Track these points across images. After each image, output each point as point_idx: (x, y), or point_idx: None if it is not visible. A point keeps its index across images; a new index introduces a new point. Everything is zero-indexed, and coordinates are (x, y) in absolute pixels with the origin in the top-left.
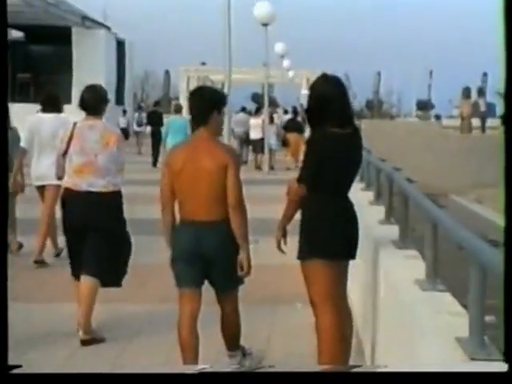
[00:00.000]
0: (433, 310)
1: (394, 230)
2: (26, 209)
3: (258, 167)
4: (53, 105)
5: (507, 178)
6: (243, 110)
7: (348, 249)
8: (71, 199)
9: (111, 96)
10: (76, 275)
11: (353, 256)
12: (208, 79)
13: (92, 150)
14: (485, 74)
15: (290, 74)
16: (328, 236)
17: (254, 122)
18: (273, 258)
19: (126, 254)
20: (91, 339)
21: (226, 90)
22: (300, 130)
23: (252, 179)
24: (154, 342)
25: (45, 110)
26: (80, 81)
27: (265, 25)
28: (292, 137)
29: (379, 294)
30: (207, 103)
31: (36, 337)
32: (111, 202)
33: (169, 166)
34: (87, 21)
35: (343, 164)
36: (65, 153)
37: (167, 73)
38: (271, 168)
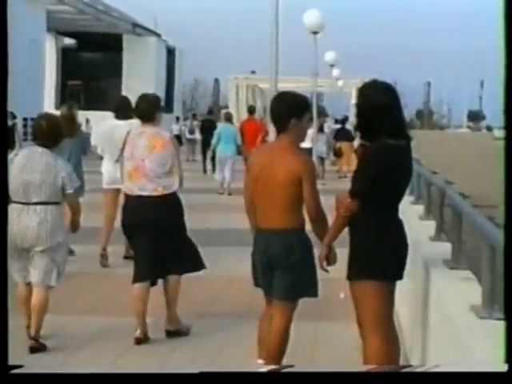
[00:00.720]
0: (489, 342)
1: (445, 248)
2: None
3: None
4: (125, 111)
5: (507, 178)
6: None
7: (400, 269)
8: (127, 203)
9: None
10: (135, 278)
11: (402, 276)
12: (257, 88)
13: (140, 154)
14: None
15: (340, 83)
16: (383, 256)
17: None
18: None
19: (191, 246)
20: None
21: None
22: (350, 139)
23: None
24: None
25: (117, 116)
26: (130, 88)
27: (314, 33)
28: (344, 146)
29: (430, 319)
30: (285, 109)
31: None
32: (162, 204)
33: (248, 171)
34: (138, 28)
35: (398, 177)
36: (117, 160)
37: (217, 81)
38: (321, 177)
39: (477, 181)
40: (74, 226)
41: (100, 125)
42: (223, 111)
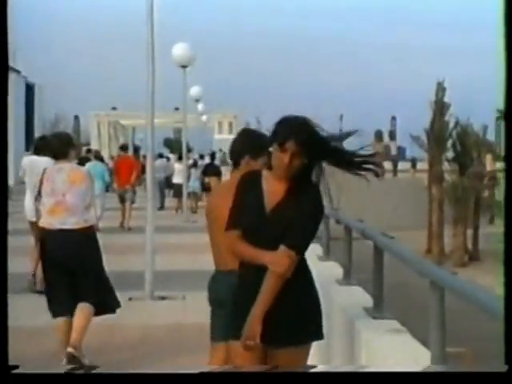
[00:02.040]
0: None
1: (358, 293)
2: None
3: (181, 210)
4: (44, 149)
5: (507, 180)
6: (160, 156)
7: None
8: (47, 238)
9: (21, 141)
10: (55, 311)
11: None
12: (119, 124)
13: (60, 189)
14: (393, 118)
15: (204, 117)
16: (321, 313)
17: (179, 166)
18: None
19: (107, 285)
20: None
21: (141, 135)
22: (218, 174)
23: (174, 226)
24: None
25: (38, 153)
26: None
27: (183, 67)
28: (212, 181)
29: None
30: (240, 145)
31: None
32: (83, 237)
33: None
34: None
35: None
36: (38, 196)
37: (76, 118)
38: (193, 211)
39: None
40: None
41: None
42: (93, 149)
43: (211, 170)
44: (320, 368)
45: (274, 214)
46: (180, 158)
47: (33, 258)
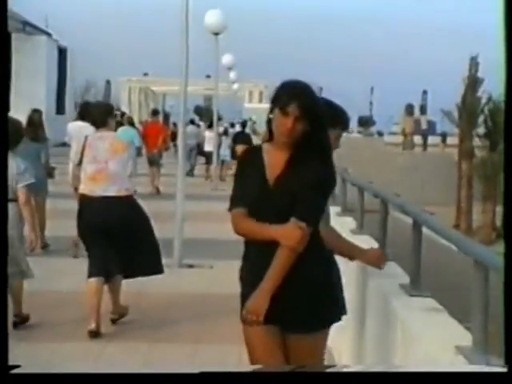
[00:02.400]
0: None
1: (397, 271)
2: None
3: (211, 177)
4: (87, 116)
5: (507, 180)
6: (192, 122)
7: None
8: (88, 204)
9: (52, 104)
10: (91, 273)
11: None
12: (150, 90)
13: (103, 157)
14: (425, 92)
15: (235, 86)
16: (342, 292)
17: (209, 134)
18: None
19: (155, 245)
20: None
21: (171, 102)
22: (249, 142)
23: (203, 194)
24: None
25: (83, 119)
26: (19, 88)
27: (216, 34)
28: (241, 149)
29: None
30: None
31: None
32: (125, 205)
33: None
34: (28, 26)
35: None
36: (79, 163)
37: (108, 83)
38: (221, 179)
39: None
40: (22, 220)
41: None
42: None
43: (241, 138)
44: (320, 368)
45: (278, 187)
46: (210, 126)
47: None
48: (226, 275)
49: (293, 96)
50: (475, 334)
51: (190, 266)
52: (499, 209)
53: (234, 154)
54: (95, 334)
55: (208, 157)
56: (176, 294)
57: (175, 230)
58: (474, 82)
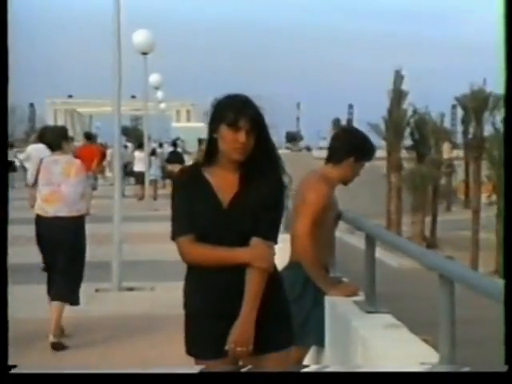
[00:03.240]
0: None
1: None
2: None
3: (142, 197)
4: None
5: (507, 181)
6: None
7: None
8: (42, 224)
9: None
10: (51, 297)
11: None
12: (76, 112)
13: (56, 180)
14: (351, 106)
15: (162, 105)
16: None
17: (139, 155)
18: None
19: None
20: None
21: (97, 123)
22: (182, 162)
23: (137, 215)
24: None
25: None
26: None
27: (144, 53)
28: (176, 168)
29: None
30: (347, 145)
31: None
32: (74, 226)
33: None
34: None
35: None
36: (34, 184)
37: (32, 105)
38: (154, 198)
39: None
40: None
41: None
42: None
43: (174, 158)
44: (321, 368)
45: (235, 208)
46: (139, 146)
47: None
48: (168, 296)
49: (240, 110)
50: (442, 349)
51: (130, 289)
52: (428, 219)
53: (166, 174)
54: (57, 346)
55: (138, 177)
56: (118, 318)
57: (113, 253)
58: (398, 95)
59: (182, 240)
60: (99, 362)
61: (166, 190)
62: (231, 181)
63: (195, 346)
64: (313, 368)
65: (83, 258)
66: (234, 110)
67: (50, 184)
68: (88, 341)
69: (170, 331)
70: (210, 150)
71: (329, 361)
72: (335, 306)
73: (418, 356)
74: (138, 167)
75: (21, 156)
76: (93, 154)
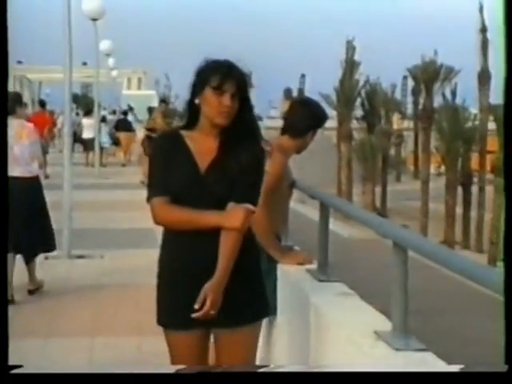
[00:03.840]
0: None
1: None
2: None
3: (91, 164)
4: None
5: (507, 179)
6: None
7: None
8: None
9: None
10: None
11: None
12: (25, 78)
13: (9, 142)
14: (303, 76)
15: (113, 73)
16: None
17: (87, 122)
18: (121, 276)
19: (45, 233)
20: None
21: (47, 90)
22: (130, 130)
23: (86, 184)
24: None
25: None
26: None
27: (94, 20)
28: (122, 135)
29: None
30: (308, 120)
31: None
32: (27, 186)
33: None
34: None
35: None
36: None
37: None
38: (103, 165)
39: None
40: None
41: None
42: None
43: (122, 126)
44: (321, 368)
45: (213, 173)
46: (87, 113)
47: None
48: (118, 265)
49: (226, 73)
50: (395, 317)
51: (80, 257)
52: (378, 189)
53: (116, 141)
54: (10, 302)
55: (87, 144)
56: (68, 286)
57: (63, 221)
58: (350, 66)
59: (156, 201)
60: (47, 330)
61: (116, 157)
62: (211, 146)
63: (165, 316)
64: (302, 368)
65: (45, 215)
66: (220, 74)
67: None
68: (36, 308)
69: (119, 299)
70: (192, 115)
71: (280, 328)
72: (287, 274)
73: (370, 324)
74: (86, 134)
75: None
76: (45, 120)
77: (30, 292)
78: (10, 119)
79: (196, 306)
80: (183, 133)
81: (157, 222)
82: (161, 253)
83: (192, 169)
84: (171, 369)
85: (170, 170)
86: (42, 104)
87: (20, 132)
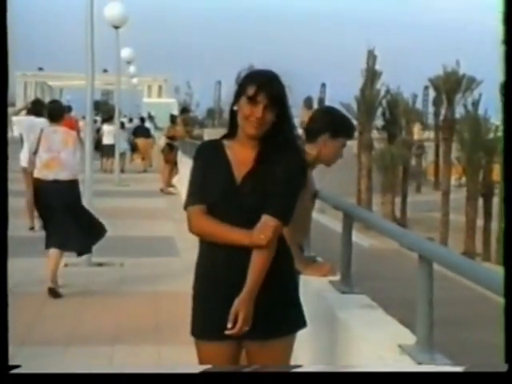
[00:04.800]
0: None
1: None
2: None
3: (110, 171)
4: (41, 112)
5: (506, 178)
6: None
7: None
8: (42, 187)
9: None
10: (47, 244)
11: None
12: (46, 85)
13: (56, 148)
14: (323, 85)
15: (134, 80)
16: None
17: (107, 128)
18: (141, 284)
19: (92, 226)
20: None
21: (68, 97)
22: (148, 136)
23: (106, 191)
24: None
25: (35, 114)
26: None
27: (116, 27)
28: (140, 142)
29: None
30: (320, 123)
31: None
32: (71, 188)
33: None
34: None
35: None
36: (35, 152)
37: None
38: (122, 171)
39: None
40: None
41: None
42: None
43: (140, 132)
44: (321, 368)
45: (247, 185)
46: (107, 120)
47: (29, 207)
48: (138, 272)
49: (262, 84)
50: (419, 331)
51: (100, 265)
52: (398, 200)
53: (133, 147)
54: (53, 291)
55: (107, 150)
56: (87, 294)
57: None
58: (371, 75)
59: (192, 210)
60: (67, 338)
61: (134, 164)
62: (248, 157)
63: (199, 327)
64: (310, 368)
65: (85, 212)
66: (255, 84)
67: (50, 151)
68: (56, 315)
69: (139, 308)
70: (231, 124)
71: (303, 341)
72: (310, 285)
73: (395, 337)
74: (106, 140)
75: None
76: (72, 126)
77: (51, 290)
78: (55, 126)
79: (229, 325)
80: (225, 142)
81: (192, 232)
82: (197, 263)
83: (228, 179)
84: (172, 369)
85: (208, 180)
86: (69, 110)
87: (66, 139)
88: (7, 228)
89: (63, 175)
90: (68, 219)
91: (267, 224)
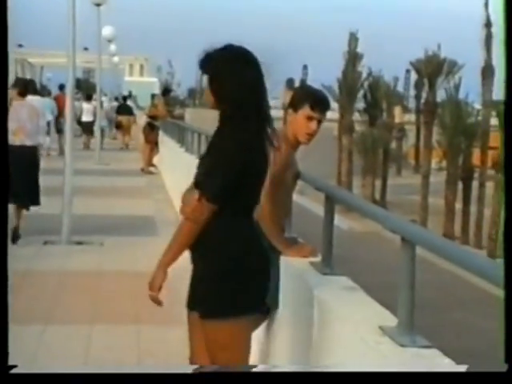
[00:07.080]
0: None
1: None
2: None
3: (87, 147)
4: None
5: (507, 177)
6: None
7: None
8: (10, 151)
9: None
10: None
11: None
12: (26, 62)
13: (23, 119)
14: (305, 67)
15: (115, 59)
16: (256, 280)
17: (86, 106)
18: (120, 263)
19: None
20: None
21: (49, 74)
22: (131, 114)
23: (86, 170)
24: None
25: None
26: None
27: (97, 5)
28: (124, 119)
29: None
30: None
31: None
32: (32, 153)
33: None
34: None
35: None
36: None
37: None
38: (101, 148)
39: None
40: None
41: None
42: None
43: (123, 110)
44: (322, 368)
45: (199, 162)
46: (88, 98)
47: None
48: (117, 252)
49: (320, 102)
50: (401, 313)
51: (80, 243)
52: (378, 182)
53: (117, 125)
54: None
55: (86, 127)
56: (66, 272)
57: (63, 206)
58: (353, 57)
59: (206, 204)
60: (46, 317)
61: (115, 142)
62: None
63: (252, 301)
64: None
65: (36, 176)
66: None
67: (18, 121)
68: (34, 294)
69: (118, 287)
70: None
71: (282, 322)
72: (291, 266)
73: (376, 319)
74: (85, 117)
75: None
76: (64, 102)
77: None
78: (22, 100)
79: None
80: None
81: (185, 217)
82: (242, 238)
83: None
84: (167, 369)
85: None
86: (61, 87)
87: (31, 112)
88: (7, 228)
89: (28, 142)
90: (24, 178)
91: (193, 198)
